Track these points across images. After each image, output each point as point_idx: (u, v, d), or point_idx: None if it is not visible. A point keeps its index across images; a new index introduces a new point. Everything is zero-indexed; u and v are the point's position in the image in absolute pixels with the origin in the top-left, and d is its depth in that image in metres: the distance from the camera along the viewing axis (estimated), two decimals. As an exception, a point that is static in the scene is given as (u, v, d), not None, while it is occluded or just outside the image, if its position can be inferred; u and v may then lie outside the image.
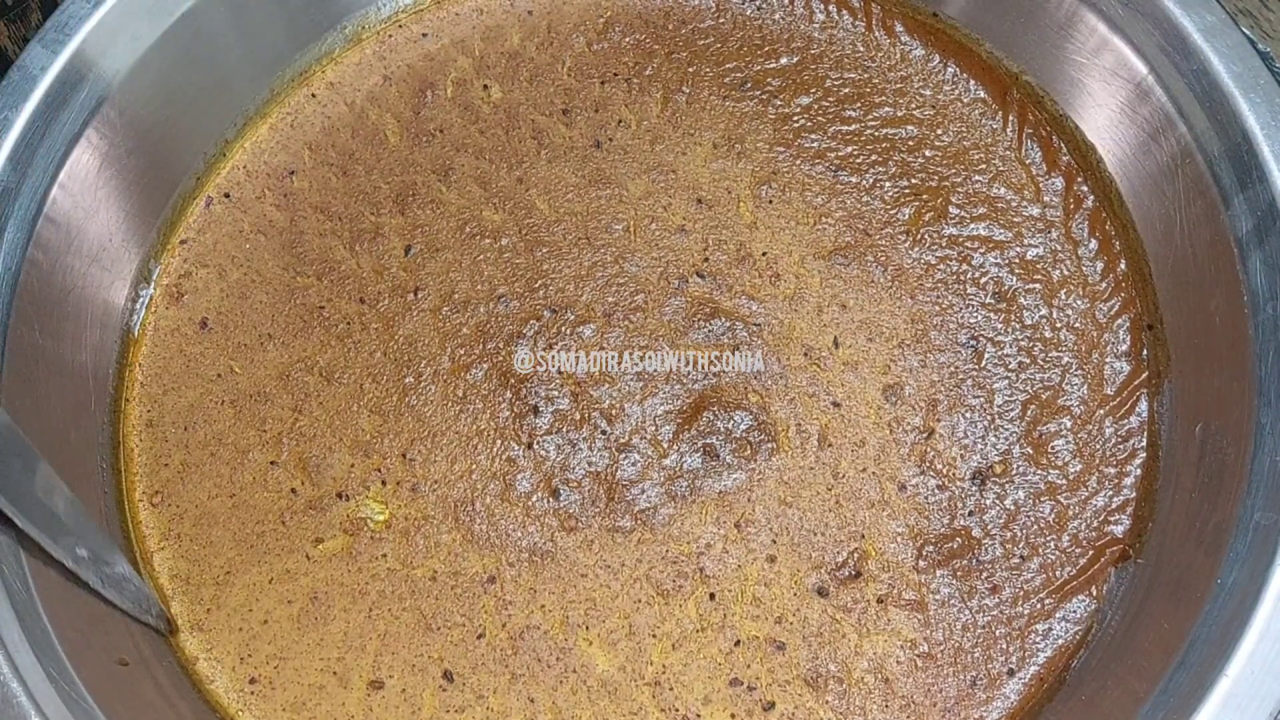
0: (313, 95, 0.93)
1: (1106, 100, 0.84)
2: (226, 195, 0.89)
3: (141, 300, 0.86)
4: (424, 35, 0.94)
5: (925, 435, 0.80)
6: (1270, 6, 0.74)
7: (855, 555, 0.77)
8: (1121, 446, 0.79)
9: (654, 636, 0.76)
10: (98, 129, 0.81)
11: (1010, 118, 0.88)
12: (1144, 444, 0.79)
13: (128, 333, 0.85)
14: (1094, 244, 0.84)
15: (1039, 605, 0.76)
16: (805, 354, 0.82)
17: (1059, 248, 0.84)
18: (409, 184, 0.89)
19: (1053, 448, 0.79)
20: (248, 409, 0.83)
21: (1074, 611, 0.76)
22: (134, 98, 0.82)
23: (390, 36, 0.94)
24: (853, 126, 0.89)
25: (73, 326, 0.81)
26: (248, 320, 0.85)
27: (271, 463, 0.81)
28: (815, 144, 0.88)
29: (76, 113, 0.80)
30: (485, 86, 0.92)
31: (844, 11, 0.92)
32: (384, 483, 0.80)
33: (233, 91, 0.90)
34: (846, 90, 0.90)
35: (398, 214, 0.88)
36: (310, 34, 0.92)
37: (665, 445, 0.80)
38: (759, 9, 0.93)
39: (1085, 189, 0.86)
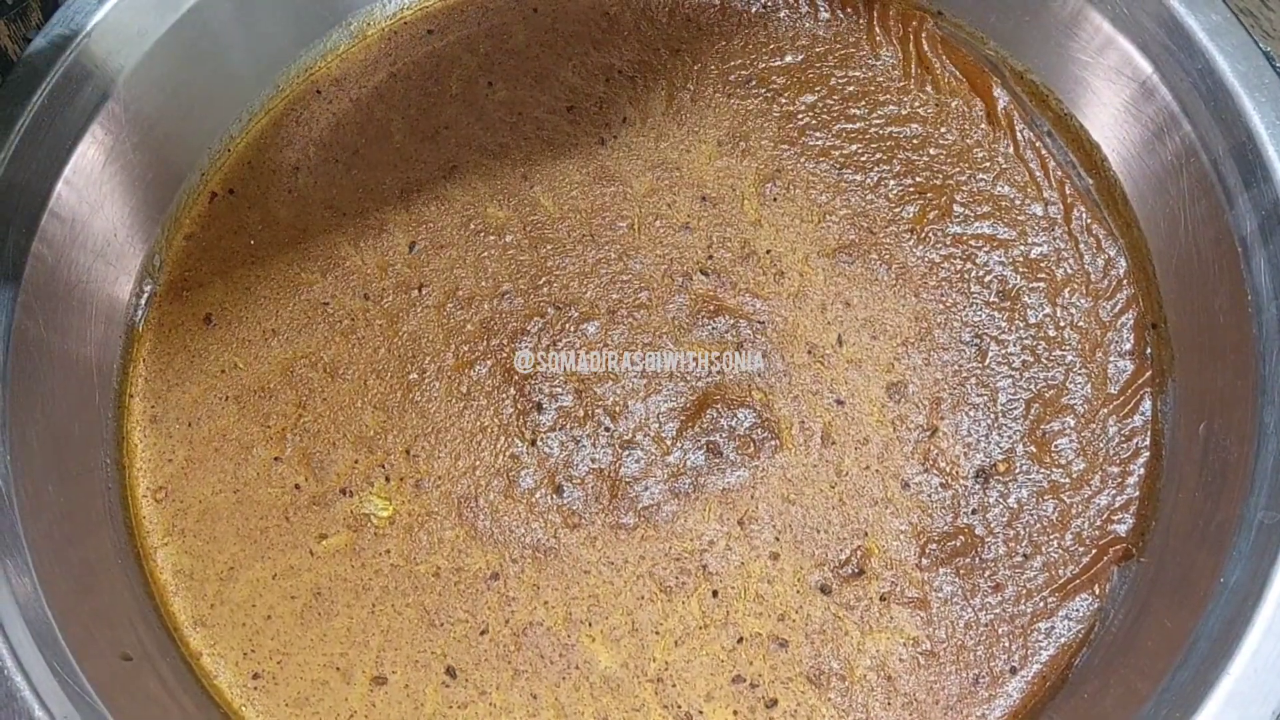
0: (318, 92, 0.93)
1: (1111, 99, 0.84)
2: (231, 191, 0.89)
3: (146, 295, 0.86)
4: (429, 32, 0.94)
5: (929, 433, 0.80)
6: (1271, 6, 0.74)
7: (858, 553, 0.77)
8: (1125, 445, 0.79)
9: (656, 633, 0.76)
10: (103, 124, 0.81)
11: (1000, 131, 0.88)
12: (1147, 443, 0.79)
13: (132, 328, 0.85)
14: (1097, 242, 0.84)
15: (1041, 603, 0.76)
16: (809, 351, 0.82)
17: (1062, 246, 0.84)
18: (414, 180, 0.89)
19: (1056, 446, 0.79)
20: (251, 405, 0.83)
21: (1077, 610, 0.76)
22: (139, 93, 0.83)
23: (396, 33, 0.94)
24: (857, 125, 0.89)
25: (77, 321, 0.81)
26: (252, 316, 0.85)
27: (275, 458, 0.81)
28: (820, 142, 0.88)
29: (81, 108, 0.80)
30: (490, 84, 0.92)
31: (847, 9, 0.92)
32: (388, 479, 0.80)
33: (238, 87, 0.90)
34: (851, 88, 0.90)
35: (402, 210, 0.88)
36: (316, 30, 0.93)
37: (669, 442, 0.80)
38: (764, 7, 0.93)
39: (1089, 187, 0.86)
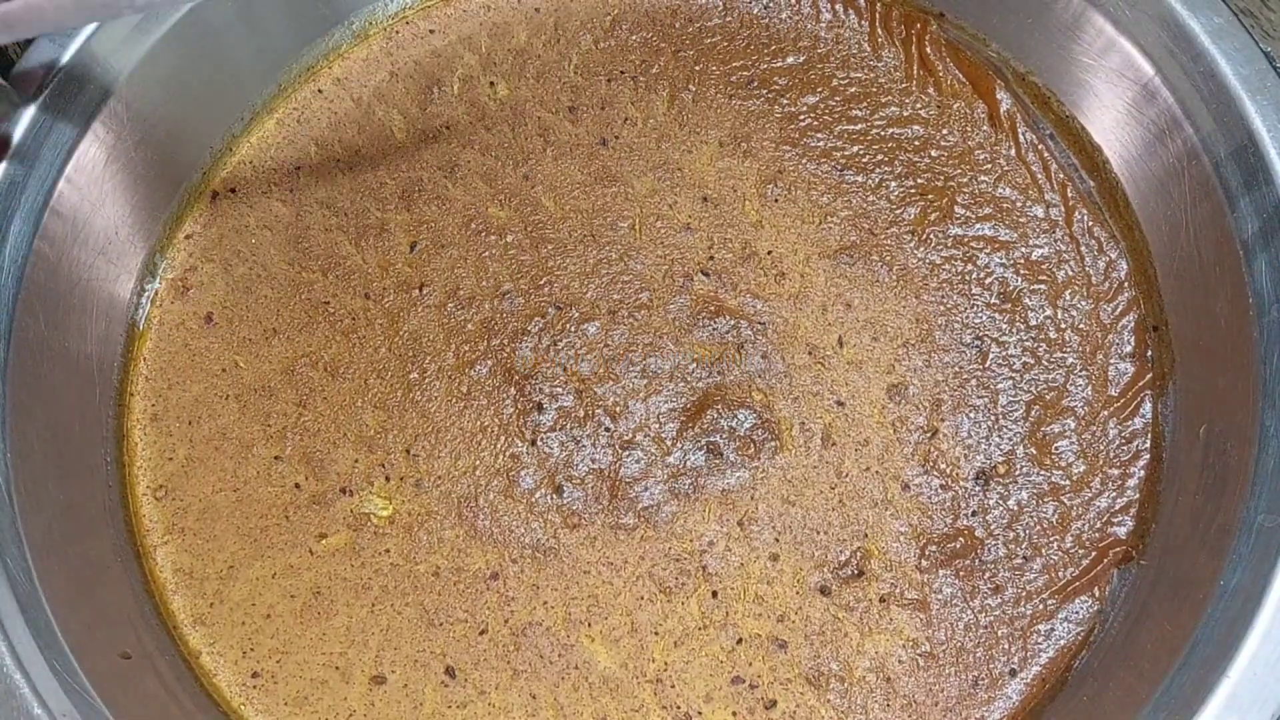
0: (319, 91, 0.93)
1: (1113, 101, 0.84)
2: (232, 190, 0.89)
3: (147, 294, 0.86)
4: (431, 31, 0.94)
5: (929, 435, 0.80)
6: (1271, 7, 0.74)
7: (858, 554, 0.77)
8: (1125, 448, 0.79)
9: (656, 634, 0.76)
10: (104, 123, 0.81)
11: (1004, 135, 0.88)
12: (1148, 445, 0.79)
13: (133, 326, 0.85)
14: (1098, 245, 0.84)
15: (1041, 606, 0.76)
16: (810, 353, 0.82)
17: (1064, 248, 0.84)
18: (415, 180, 0.89)
19: (1056, 449, 0.79)
20: (252, 404, 0.83)
21: (1076, 612, 0.76)
22: (141, 92, 0.82)
23: (397, 33, 0.94)
24: (858, 126, 0.89)
25: (78, 319, 0.81)
26: (252, 315, 0.85)
27: (275, 457, 0.81)
28: (821, 143, 0.88)
29: (83, 107, 0.80)
30: (492, 83, 0.92)
31: (850, 11, 0.92)
32: (388, 478, 0.80)
33: (239, 87, 0.90)
34: (853, 90, 0.90)
35: (403, 210, 0.88)
36: (317, 29, 0.92)
37: (669, 443, 0.80)
38: (766, 8, 0.93)
39: (1091, 189, 0.86)
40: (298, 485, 0.81)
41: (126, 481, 0.82)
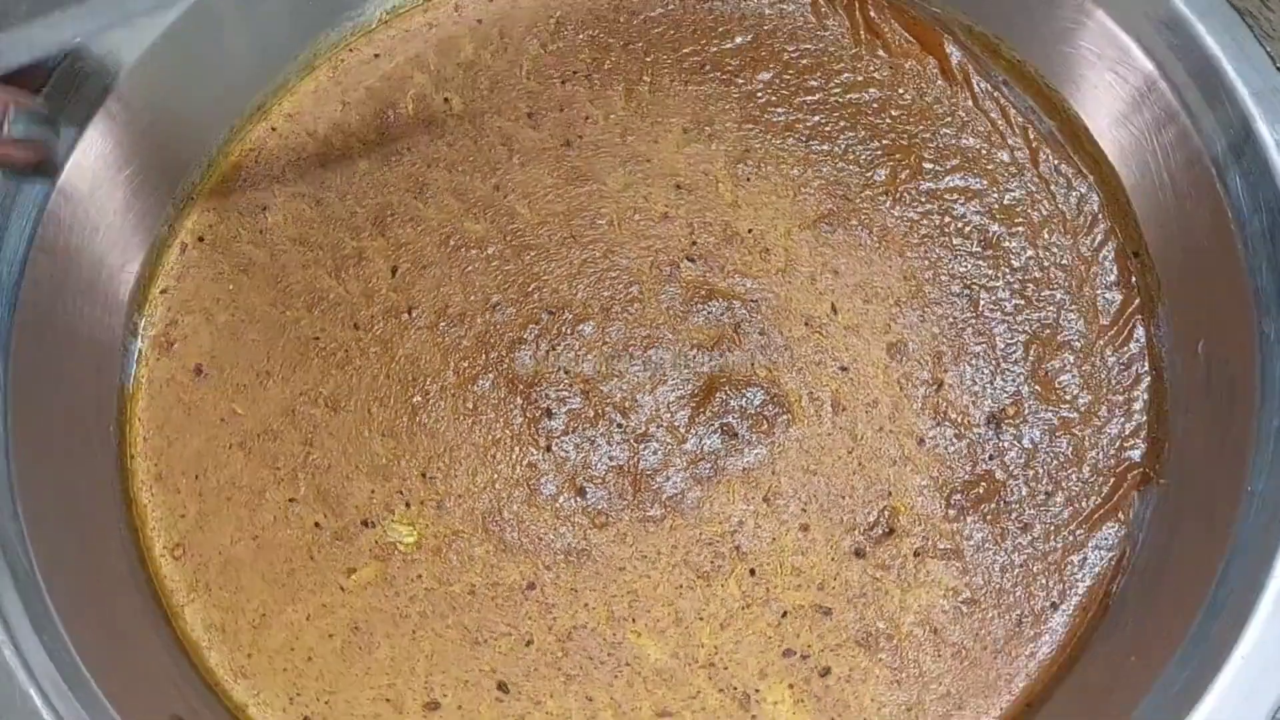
0: (273, 129, 0.91)
1: (1064, 41, 0.84)
2: (201, 239, 0.88)
3: (131, 354, 0.85)
4: (376, 56, 0.93)
5: (935, 387, 0.81)
6: (1271, 7, 0.76)
7: (885, 513, 0.78)
8: (1125, 373, 0.81)
9: (701, 619, 0.77)
10: (61, 195, 0.79)
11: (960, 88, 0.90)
12: (1146, 368, 0.81)
13: (123, 388, 0.84)
14: (1067, 181, 0.86)
15: (1071, 537, 0.78)
16: (806, 323, 0.83)
17: (1034, 189, 0.86)
18: (385, 205, 0.88)
19: (1060, 383, 0.81)
20: (257, 449, 0.82)
21: (1105, 539, 0.78)
22: (101, 150, 0.81)
23: (342, 61, 0.93)
24: (816, 96, 0.90)
25: (66, 389, 0.79)
26: (243, 361, 0.84)
27: (290, 499, 0.81)
28: (783, 117, 0.89)
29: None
30: (446, 99, 0.91)
31: (787, -16, 0.94)
32: (408, 504, 0.80)
33: (194, 135, 0.89)
34: (805, 61, 0.91)
35: (378, 236, 0.87)
36: (264, 68, 0.91)
37: (683, 430, 0.81)
38: (706, -9, 0.94)
39: (1052, 129, 0.87)
40: (317, 524, 0.80)
41: (142, 545, 0.81)
